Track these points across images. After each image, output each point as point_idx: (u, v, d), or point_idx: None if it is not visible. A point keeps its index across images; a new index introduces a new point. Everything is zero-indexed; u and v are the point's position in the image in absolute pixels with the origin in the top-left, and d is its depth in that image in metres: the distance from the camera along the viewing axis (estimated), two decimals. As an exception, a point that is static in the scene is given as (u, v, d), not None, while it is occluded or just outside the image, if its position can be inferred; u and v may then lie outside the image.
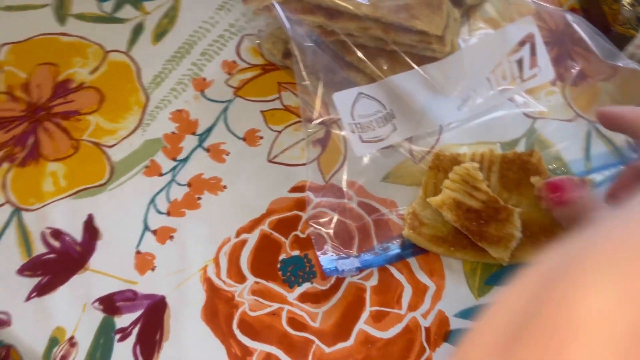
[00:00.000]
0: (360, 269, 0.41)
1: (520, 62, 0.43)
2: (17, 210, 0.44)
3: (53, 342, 0.39)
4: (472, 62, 0.43)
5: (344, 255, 0.41)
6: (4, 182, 0.45)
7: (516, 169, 0.43)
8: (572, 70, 0.47)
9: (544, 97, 0.46)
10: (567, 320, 0.15)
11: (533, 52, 0.43)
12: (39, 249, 0.42)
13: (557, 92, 0.46)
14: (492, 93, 0.44)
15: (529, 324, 0.16)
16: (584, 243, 0.17)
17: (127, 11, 0.52)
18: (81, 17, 0.52)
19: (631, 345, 0.14)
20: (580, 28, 0.45)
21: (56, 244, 0.42)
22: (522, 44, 0.43)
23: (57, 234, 0.43)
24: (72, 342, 0.39)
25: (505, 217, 0.40)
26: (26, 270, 0.41)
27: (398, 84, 0.44)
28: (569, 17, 0.45)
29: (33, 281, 0.41)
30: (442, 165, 0.43)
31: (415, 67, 0.44)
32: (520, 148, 0.45)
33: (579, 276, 0.16)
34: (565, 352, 0.15)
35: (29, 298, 0.41)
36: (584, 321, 0.15)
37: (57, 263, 0.42)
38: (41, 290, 0.41)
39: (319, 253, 0.41)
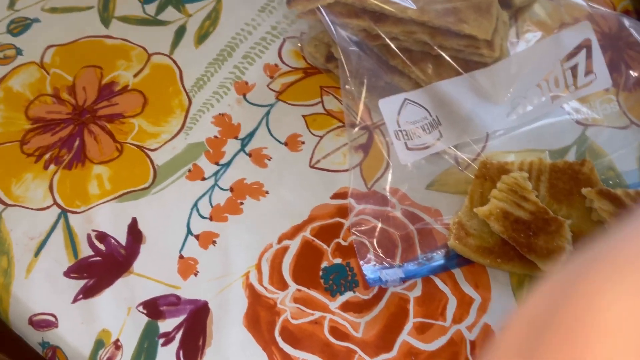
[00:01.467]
0: (404, 280, 0.40)
1: (574, 69, 0.42)
2: (64, 213, 0.44)
3: (99, 344, 0.40)
4: (523, 69, 0.42)
5: (387, 265, 0.41)
6: (51, 184, 0.45)
7: (566, 179, 0.41)
8: (627, 76, 0.45)
9: (599, 104, 0.44)
10: (590, 322, 0.15)
11: (589, 59, 0.41)
12: (85, 251, 0.43)
13: (613, 100, 0.44)
14: (544, 100, 0.42)
15: (552, 325, 0.16)
16: (611, 246, 0.17)
17: (170, 13, 0.53)
18: (125, 19, 0.53)
19: None
20: (636, 32, 0.43)
21: (101, 246, 0.43)
22: (577, 50, 0.41)
23: (102, 236, 0.43)
24: (117, 345, 0.40)
25: (555, 229, 0.39)
26: (73, 272, 0.42)
27: (444, 90, 0.43)
28: (625, 21, 0.43)
29: (79, 283, 0.42)
30: (489, 174, 0.42)
31: (463, 72, 0.42)
32: (571, 156, 0.44)
33: (603, 278, 0.16)
34: (587, 353, 0.15)
35: (75, 300, 0.41)
36: (607, 323, 0.15)
37: (103, 266, 0.42)
38: (87, 293, 0.41)
39: (361, 262, 0.41)
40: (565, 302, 0.16)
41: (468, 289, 0.40)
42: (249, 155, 0.46)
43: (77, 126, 0.48)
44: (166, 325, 0.40)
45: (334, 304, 0.40)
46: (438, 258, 0.41)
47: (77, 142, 0.47)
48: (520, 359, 0.16)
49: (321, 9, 0.43)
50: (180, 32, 0.52)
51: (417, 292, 0.40)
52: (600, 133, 0.44)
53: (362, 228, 0.42)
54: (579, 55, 0.41)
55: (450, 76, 0.44)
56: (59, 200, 0.45)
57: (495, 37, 0.44)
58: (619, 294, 0.15)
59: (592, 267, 0.16)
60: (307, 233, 0.43)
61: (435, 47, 0.44)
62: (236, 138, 0.47)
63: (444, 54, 0.44)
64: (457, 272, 0.41)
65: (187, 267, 0.42)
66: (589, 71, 0.41)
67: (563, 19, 0.46)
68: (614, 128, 0.45)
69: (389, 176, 0.44)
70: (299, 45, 0.50)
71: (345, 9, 0.44)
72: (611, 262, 0.16)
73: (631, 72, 0.45)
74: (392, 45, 0.44)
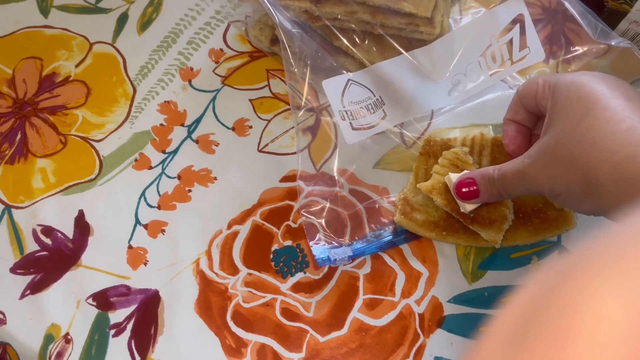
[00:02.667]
0: (352, 258, 0.41)
1: (510, 44, 0.42)
2: (7, 208, 0.43)
3: (48, 339, 0.39)
4: (462, 46, 0.42)
5: (337, 244, 0.41)
6: (-7, 180, 0.44)
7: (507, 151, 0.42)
8: (565, 48, 0.46)
9: (531, 75, 0.45)
10: (571, 321, 0.15)
11: (523, 33, 0.42)
12: (30, 246, 0.42)
13: (546, 70, 0.45)
14: (483, 77, 0.43)
15: (535, 324, 0.16)
16: (594, 247, 0.17)
17: (111, 0, 0.52)
18: (64, 8, 0.51)
19: (633, 347, 0.14)
20: (571, 5, 0.43)
21: (48, 241, 0.42)
22: (511, 25, 0.42)
23: (48, 230, 0.43)
24: (67, 339, 0.39)
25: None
26: (19, 268, 0.41)
27: (386, 70, 0.43)
28: (561, -6, 0.43)
29: (26, 279, 0.41)
30: (433, 150, 0.43)
31: (403, 52, 0.43)
32: (513, 130, 0.45)
33: (585, 277, 0.16)
34: (567, 352, 0.15)
35: (22, 296, 0.41)
36: (587, 322, 0.15)
37: (50, 260, 0.42)
38: (35, 288, 0.41)
39: (311, 243, 0.41)
40: (550, 298, 0.16)
41: (416, 264, 0.41)
42: (196, 141, 0.46)
43: (18, 120, 0.47)
44: (117, 316, 0.40)
45: (285, 286, 0.41)
46: (386, 235, 0.42)
47: (18, 136, 0.46)
48: (504, 355, 0.16)
49: (260, -9, 0.43)
50: (122, 20, 0.51)
51: (367, 269, 0.41)
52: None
53: (311, 209, 0.42)
54: (513, 30, 0.41)
55: (393, 56, 0.44)
56: (2, 196, 0.44)
57: (435, 14, 0.44)
58: (606, 288, 0.15)
59: (581, 263, 0.16)
60: (256, 217, 0.43)
61: (377, 27, 0.44)
62: (182, 125, 0.46)
63: (385, 34, 0.44)
64: (405, 248, 0.42)
65: (136, 257, 0.42)
66: (523, 46, 0.42)
67: (504, -5, 0.47)
68: (553, 100, 0.46)
69: (337, 157, 0.44)
70: (244, 29, 0.49)
71: (285, -9, 0.44)
72: (600, 259, 0.16)
73: (569, 44, 0.46)
74: (333, 27, 0.44)
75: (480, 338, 0.18)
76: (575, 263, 0.17)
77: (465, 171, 0.39)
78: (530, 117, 0.38)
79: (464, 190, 0.38)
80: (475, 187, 0.37)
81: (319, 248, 0.41)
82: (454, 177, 0.39)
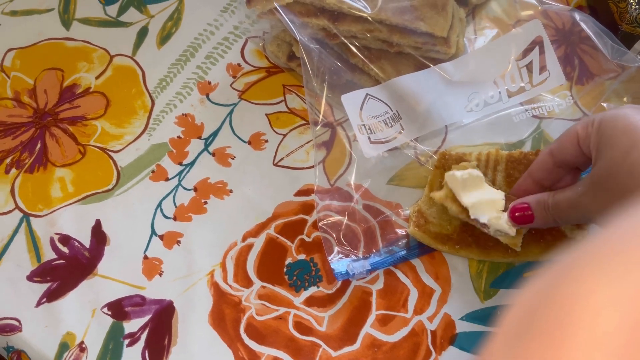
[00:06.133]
0: (370, 271, 0.41)
1: (529, 67, 0.43)
2: (26, 216, 0.44)
3: (63, 347, 0.40)
4: (480, 65, 0.43)
5: (354, 258, 0.41)
6: (12, 189, 0.45)
7: (522, 168, 0.43)
8: (580, 69, 0.47)
9: (554, 99, 0.46)
10: (570, 315, 0.16)
11: (542, 56, 0.42)
12: (48, 254, 0.43)
13: (567, 93, 0.46)
14: (500, 96, 0.44)
15: (536, 319, 0.16)
16: (591, 246, 0.18)
17: (132, 14, 0.53)
18: (86, 21, 0.52)
19: (629, 340, 0.15)
20: (587, 26, 0.44)
21: (65, 249, 0.43)
22: (530, 48, 0.42)
23: (65, 239, 0.43)
24: (82, 347, 0.40)
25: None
26: (36, 276, 0.42)
27: (403, 85, 0.44)
28: (577, 15, 0.44)
29: (43, 287, 0.42)
30: (448, 164, 0.43)
31: (430, 65, 0.43)
32: (527, 148, 0.45)
33: (583, 274, 0.16)
34: (565, 347, 0.15)
35: (39, 304, 0.41)
36: (585, 315, 0.15)
37: (66, 269, 0.42)
38: (51, 296, 0.41)
39: (329, 257, 0.41)
40: (552, 292, 0.17)
41: (429, 280, 0.41)
42: (213, 154, 0.46)
43: (39, 129, 0.47)
44: (131, 325, 0.40)
45: (298, 300, 0.41)
46: (399, 250, 0.42)
47: (38, 146, 0.47)
48: (508, 352, 0.17)
49: (279, 8, 0.43)
50: (142, 33, 0.52)
51: (380, 285, 0.41)
52: (555, 125, 0.46)
53: (329, 222, 0.43)
54: (532, 53, 0.42)
55: (409, 73, 0.45)
56: (21, 204, 0.45)
57: (451, 34, 0.45)
58: (603, 283, 0.16)
59: (580, 260, 0.17)
60: (271, 230, 0.43)
61: (394, 45, 0.44)
62: (199, 138, 0.47)
63: (402, 51, 0.44)
64: (418, 264, 0.42)
65: (151, 268, 0.42)
66: (542, 68, 0.42)
67: (518, 16, 0.48)
68: (567, 120, 0.46)
69: (352, 172, 0.44)
70: (262, 44, 0.50)
71: (304, 8, 0.45)
72: (597, 256, 0.17)
73: (583, 65, 0.46)
74: (350, 45, 0.45)
75: (489, 337, 0.18)
76: (573, 261, 0.17)
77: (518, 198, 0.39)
78: (555, 176, 0.39)
79: (517, 214, 0.38)
80: (530, 212, 0.37)
81: (337, 262, 0.41)
82: (458, 173, 0.39)
